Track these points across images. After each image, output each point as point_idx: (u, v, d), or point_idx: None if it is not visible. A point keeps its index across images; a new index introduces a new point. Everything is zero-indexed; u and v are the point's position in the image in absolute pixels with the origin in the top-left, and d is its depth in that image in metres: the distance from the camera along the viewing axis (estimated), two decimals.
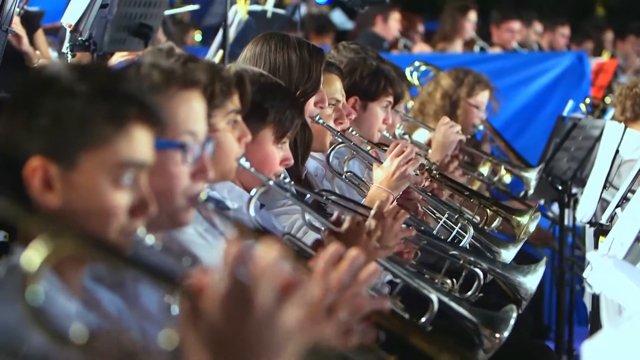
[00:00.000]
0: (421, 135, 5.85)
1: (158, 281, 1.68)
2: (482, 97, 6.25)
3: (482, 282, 3.46)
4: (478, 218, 4.23)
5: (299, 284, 1.55)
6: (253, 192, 2.93)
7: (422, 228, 3.70)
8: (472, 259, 3.49)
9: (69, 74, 1.96)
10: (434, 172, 4.20)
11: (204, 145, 2.33)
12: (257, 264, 1.55)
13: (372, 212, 3.06)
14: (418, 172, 3.79)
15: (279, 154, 3.27)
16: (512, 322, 3.04)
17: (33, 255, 1.62)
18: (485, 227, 4.25)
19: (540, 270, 3.56)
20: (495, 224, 4.37)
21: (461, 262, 3.50)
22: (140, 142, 1.98)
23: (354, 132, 4.23)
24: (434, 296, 2.95)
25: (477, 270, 3.46)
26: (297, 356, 1.56)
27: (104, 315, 2.04)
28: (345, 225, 2.99)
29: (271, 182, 2.99)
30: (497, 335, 3.04)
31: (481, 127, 6.24)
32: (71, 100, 1.92)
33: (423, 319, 2.90)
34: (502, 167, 5.74)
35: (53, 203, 1.92)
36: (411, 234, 3.21)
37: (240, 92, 2.81)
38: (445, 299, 3.05)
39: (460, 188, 4.46)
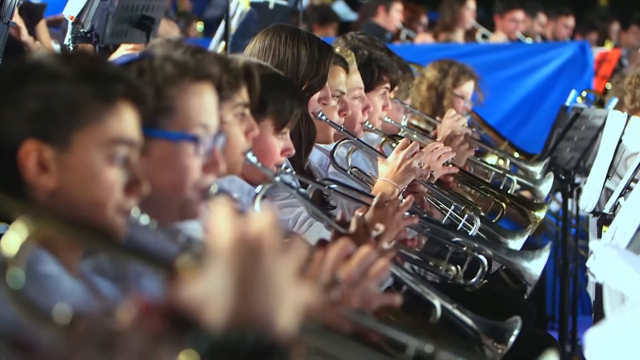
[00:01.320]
0: None
1: (150, 264, 1.71)
2: (467, 87, 6.30)
3: (486, 269, 3.50)
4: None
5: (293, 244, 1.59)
6: (259, 189, 2.94)
7: (426, 216, 3.74)
8: (475, 245, 3.53)
9: (53, 60, 2.02)
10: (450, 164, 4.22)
11: (216, 138, 2.38)
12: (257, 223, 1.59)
13: (374, 202, 3.08)
14: (423, 164, 3.83)
15: (279, 144, 3.28)
16: (515, 332, 3.05)
17: (13, 238, 1.62)
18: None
19: (544, 256, 3.60)
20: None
21: (465, 248, 3.54)
22: (128, 120, 2.03)
23: (370, 126, 4.31)
24: (437, 302, 2.97)
25: (481, 257, 3.50)
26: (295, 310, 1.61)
27: (101, 301, 2.09)
28: (353, 227, 2.95)
29: (277, 179, 3.01)
30: (500, 345, 3.06)
31: (468, 117, 6.28)
32: (57, 83, 1.98)
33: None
34: (508, 161, 5.76)
35: (49, 185, 1.97)
36: (414, 221, 3.25)
37: (248, 85, 2.82)
38: (449, 307, 3.08)
39: (476, 181, 4.51)
